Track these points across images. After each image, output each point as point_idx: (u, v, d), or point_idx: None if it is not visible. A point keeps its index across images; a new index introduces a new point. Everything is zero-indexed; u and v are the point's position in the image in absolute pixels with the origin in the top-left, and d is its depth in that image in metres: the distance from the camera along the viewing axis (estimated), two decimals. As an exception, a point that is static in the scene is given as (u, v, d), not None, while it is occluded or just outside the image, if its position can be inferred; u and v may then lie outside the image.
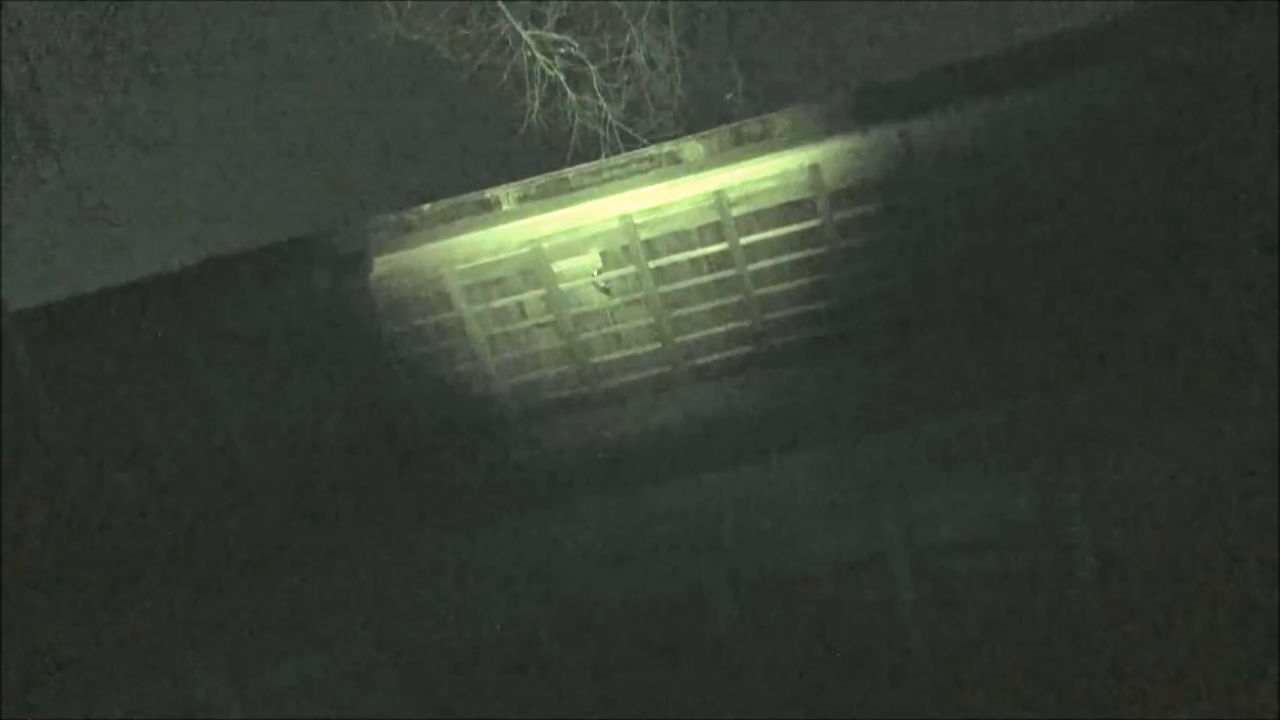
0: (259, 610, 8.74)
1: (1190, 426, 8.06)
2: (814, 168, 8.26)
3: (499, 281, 8.76)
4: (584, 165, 8.46)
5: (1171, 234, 8.29)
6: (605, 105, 10.75)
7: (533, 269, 8.64)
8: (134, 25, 11.44)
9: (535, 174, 8.49)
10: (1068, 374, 8.25)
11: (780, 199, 8.44)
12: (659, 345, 8.87)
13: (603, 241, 8.58)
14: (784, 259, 8.60)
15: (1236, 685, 8.14)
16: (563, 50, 10.76)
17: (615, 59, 10.85)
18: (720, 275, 8.66)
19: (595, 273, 8.66)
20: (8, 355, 8.51)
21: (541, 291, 8.71)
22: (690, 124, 10.30)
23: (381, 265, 8.57)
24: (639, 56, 10.88)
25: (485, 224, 8.46)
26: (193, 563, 8.89)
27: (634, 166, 8.31)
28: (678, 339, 8.84)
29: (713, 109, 10.53)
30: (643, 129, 10.93)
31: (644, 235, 8.53)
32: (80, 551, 8.77)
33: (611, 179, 8.34)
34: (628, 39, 10.85)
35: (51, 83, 11.37)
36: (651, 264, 8.61)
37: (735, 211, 8.44)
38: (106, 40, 11.36)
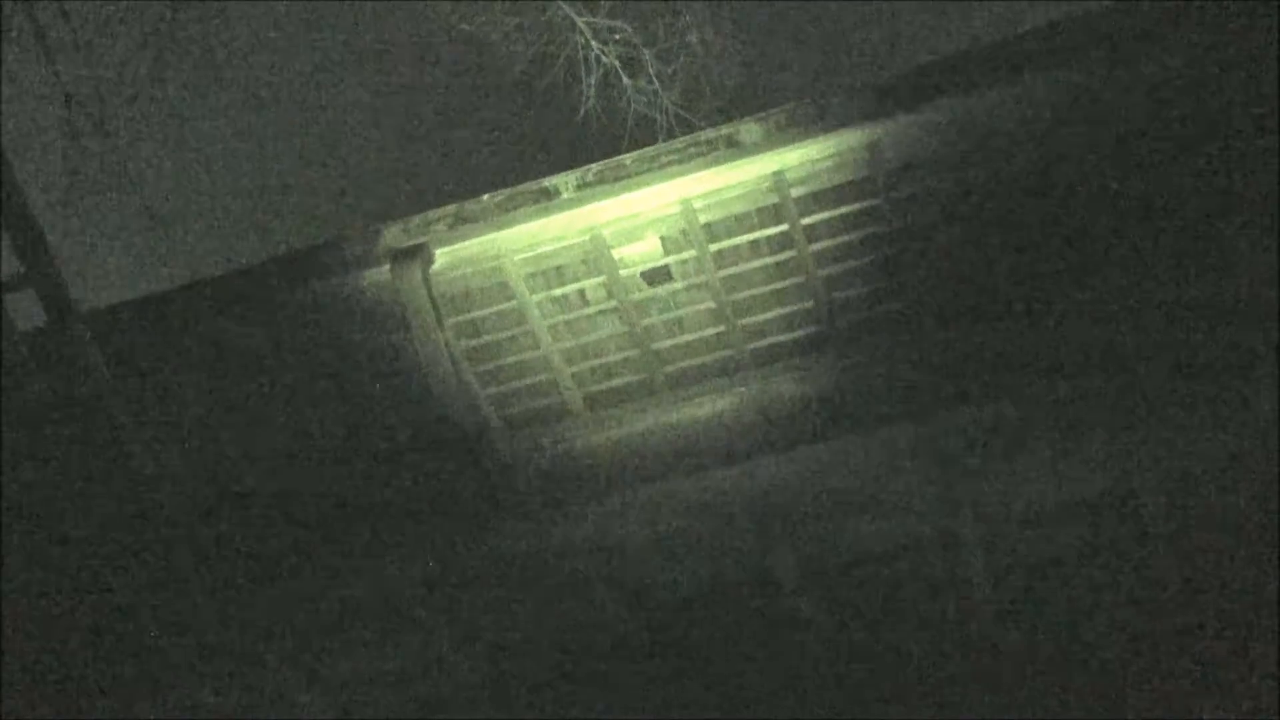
0: (332, 600, 8.88)
1: (1259, 402, 7.92)
2: (873, 146, 8.18)
3: (559, 269, 8.78)
4: (641, 150, 8.39)
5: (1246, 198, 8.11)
6: (661, 90, 10.73)
7: (593, 256, 8.66)
8: (192, 25, 11.61)
9: (593, 161, 8.48)
10: (1138, 350, 8.12)
11: (840, 178, 8.35)
12: (722, 329, 8.85)
13: (662, 226, 8.57)
14: (845, 239, 8.53)
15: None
16: (617, 36, 10.74)
17: (670, 43, 10.83)
18: (781, 257, 8.61)
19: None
20: (82, 352, 8.67)
21: (602, 278, 8.72)
22: (746, 106, 10.25)
23: (441, 257, 8.62)
24: (693, 40, 10.84)
25: (544, 212, 8.45)
26: (264, 552, 9.04)
27: (691, 150, 8.26)
28: (741, 322, 8.82)
29: (769, 90, 10.48)
30: (699, 112, 10.91)
31: (703, 219, 8.51)
32: (149, 539, 8.94)
33: (669, 163, 8.30)
34: (681, 23, 10.81)
35: (113, 84, 11.57)
36: (712, 247, 8.59)
37: (795, 192, 8.38)
38: (166, 40, 11.53)
